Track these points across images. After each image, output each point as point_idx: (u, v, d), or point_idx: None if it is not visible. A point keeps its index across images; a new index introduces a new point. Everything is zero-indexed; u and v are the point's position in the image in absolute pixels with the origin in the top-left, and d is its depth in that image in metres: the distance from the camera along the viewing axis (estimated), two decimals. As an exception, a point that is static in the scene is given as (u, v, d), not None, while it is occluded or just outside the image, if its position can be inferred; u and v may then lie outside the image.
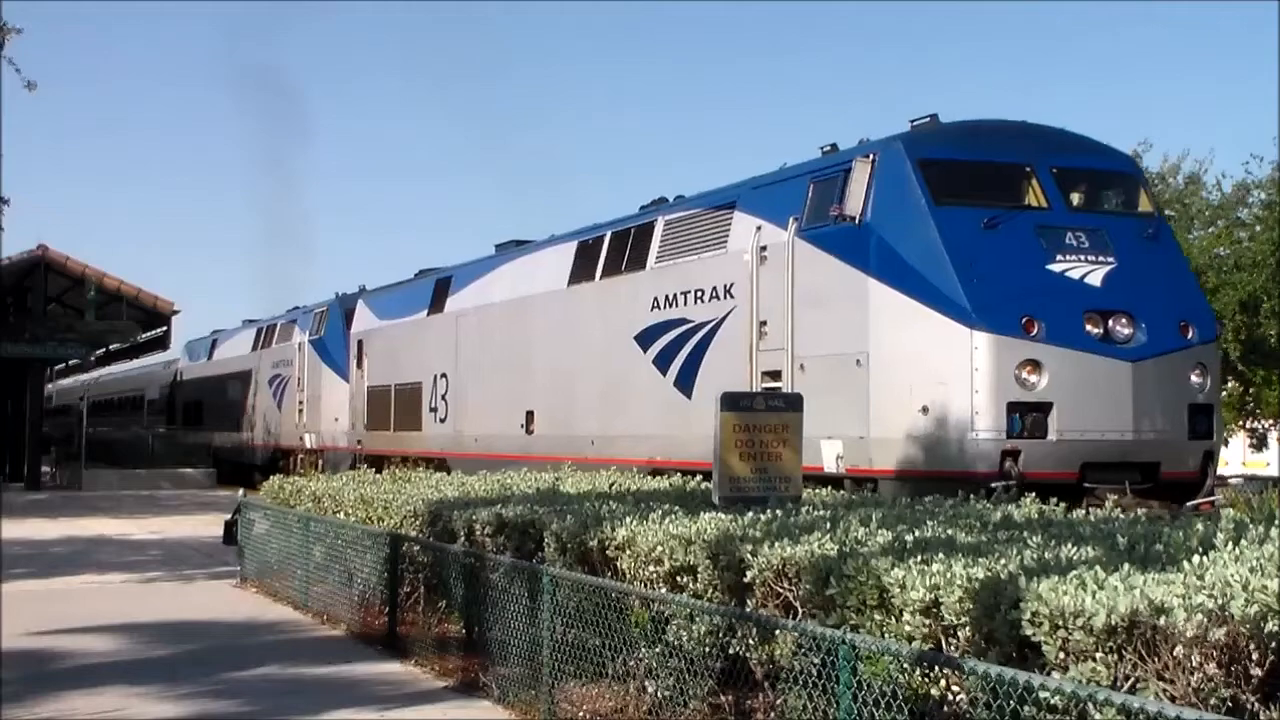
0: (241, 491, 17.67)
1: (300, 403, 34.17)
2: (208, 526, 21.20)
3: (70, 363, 49.29)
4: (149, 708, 8.54)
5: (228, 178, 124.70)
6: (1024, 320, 13.11)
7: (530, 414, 21.08)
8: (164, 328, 42.11)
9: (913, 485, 12.50)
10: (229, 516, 16.38)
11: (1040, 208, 14.35)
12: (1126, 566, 5.25)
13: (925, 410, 13.27)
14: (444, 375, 24.39)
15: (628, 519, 8.29)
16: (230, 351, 42.16)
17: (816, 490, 11.10)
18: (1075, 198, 14.68)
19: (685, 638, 6.99)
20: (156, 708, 8.54)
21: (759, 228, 15.85)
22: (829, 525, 7.30)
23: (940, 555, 5.85)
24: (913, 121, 15.14)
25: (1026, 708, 4.58)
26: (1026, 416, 12.95)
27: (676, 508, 8.73)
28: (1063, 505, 8.72)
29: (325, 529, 12.74)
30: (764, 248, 15.64)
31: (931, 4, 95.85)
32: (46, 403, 49.39)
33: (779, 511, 8.12)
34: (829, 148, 16.00)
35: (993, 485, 12.05)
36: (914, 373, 13.51)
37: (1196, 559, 5.15)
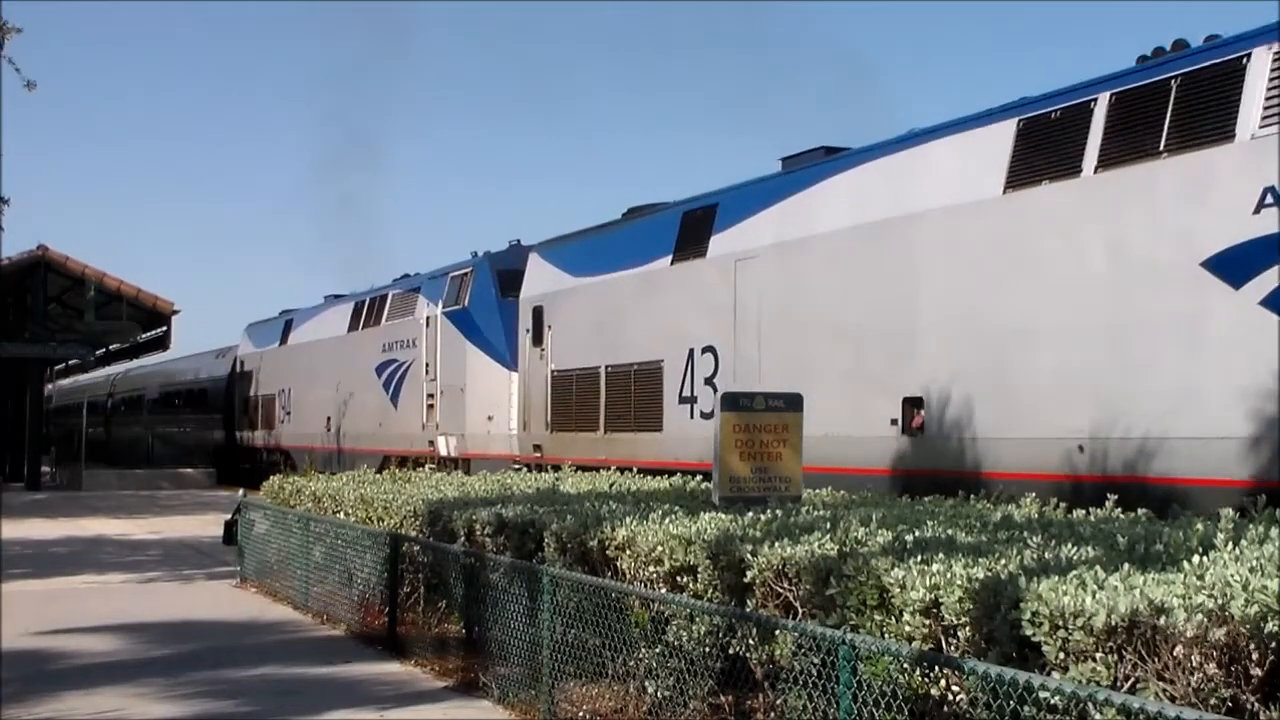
0: (241, 491, 17.67)
1: (430, 396, 25.88)
2: (207, 526, 21.24)
3: (70, 363, 49.26)
4: (149, 708, 8.54)
5: (226, 176, 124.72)
6: None
7: (915, 403, 13.58)
8: (164, 328, 42.11)
9: None
10: (229, 516, 16.41)
11: None
12: (1126, 566, 5.25)
13: None
14: (710, 349, 16.75)
15: (628, 519, 8.29)
16: (314, 333, 33.75)
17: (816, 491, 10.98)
18: None
19: (685, 638, 6.99)
20: (156, 708, 8.54)
21: None
22: (829, 525, 7.30)
23: (940, 555, 5.85)
24: None
25: (1026, 708, 4.58)
26: None
27: (676, 508, 8.74)
28: (1063, 505, 8.70)
29: (325, 529, 12.75)
30: None
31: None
32: (47, 403, 49.30)
33: (779, 511, 8.13)
34: None
35: None
36: None
37: (1196, 559, 5.15)
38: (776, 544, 6.74)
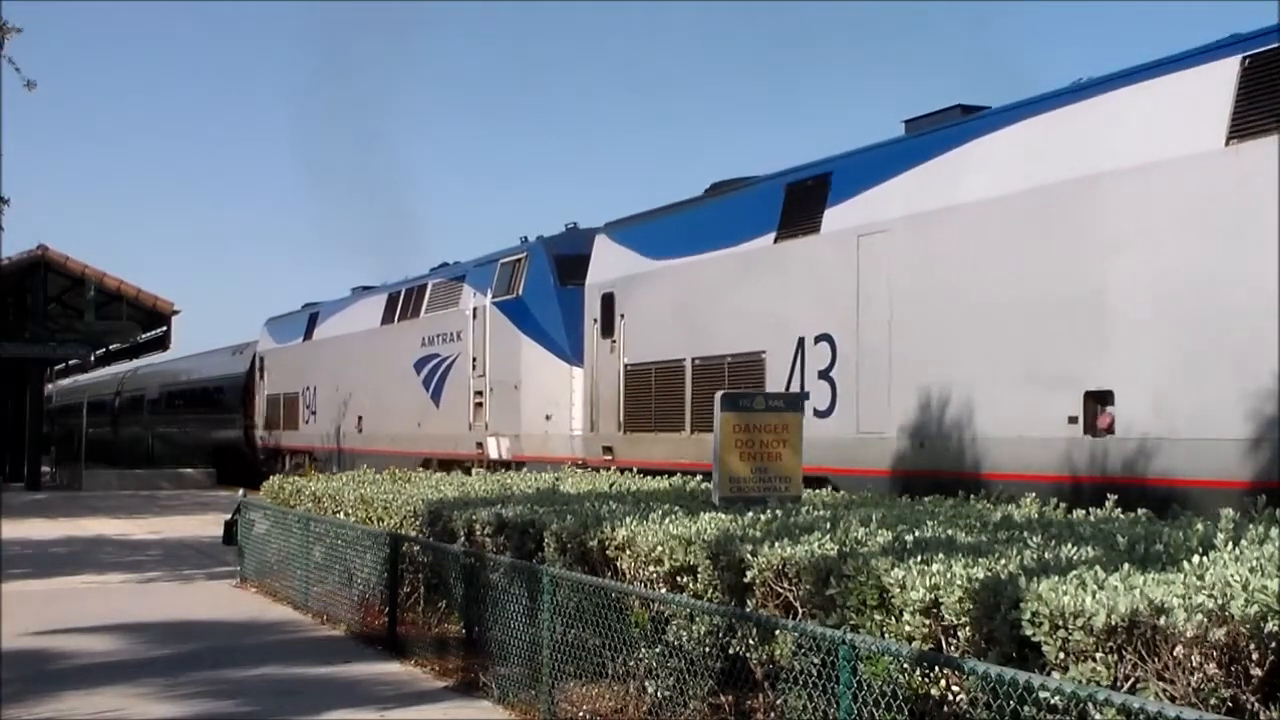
0: (241, 491, 17.66)
1: (478, 394, 23.66)
2: (207, 526, 21.24)
3: (70, 362, 49.28)
4: (149, 708, 8.54)
5: (226, 176, 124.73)
6: None
7: (1101, 398, 11.40)
8: (164, 328, 42.14)
9: None
10: (229, 516, 16.41)
11: None
12: (1126, 566, 5.25)
13: None
14: (825, 338, 14.44)
15: (628, 519, 8.29)
16: (342, 327, 31.53)
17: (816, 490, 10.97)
18: None
19: (685, 638, 6.99)
20: (156, 708, 8.54)
21: None
22: (829, 525, 7.30)
23: (940, 555, 5.85)
24: None
25: (1026, 708, 4.58)
26: None
27: (676, 508, 8.74)
28: (1063, 505, 8.70)
29: (325, 529, 12.76)
30: None
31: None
32: (47, 402, 49.25)
33: (779, 511, 8.13)
34: None
35: None
36: None
37: (1196, 559, 5.15)
38: (776, 544, 6.73)
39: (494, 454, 22.58)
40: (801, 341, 14.80)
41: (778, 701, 6.30)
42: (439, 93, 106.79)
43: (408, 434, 26.52)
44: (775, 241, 15.54)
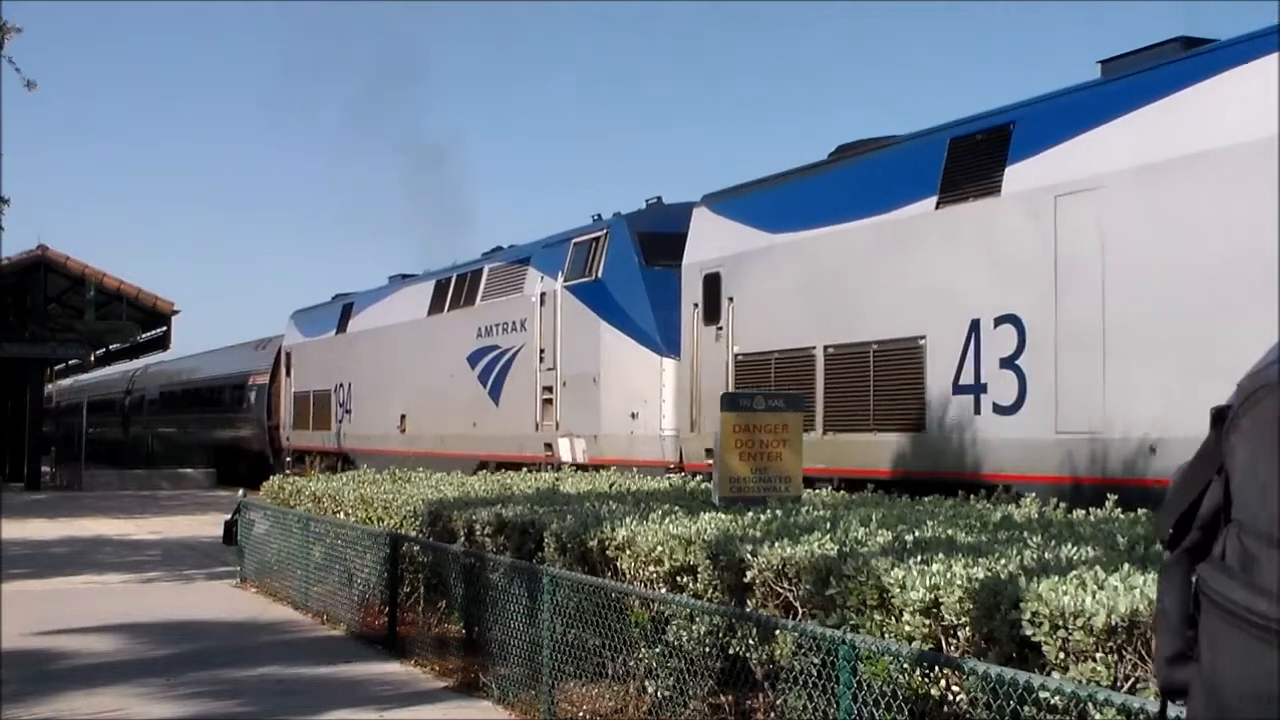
0: (241, 491, 17.66)
1: (546, 389, 20.94)
2: (207, 526, 21.24)
3: (70, 362, 49.26)
4: (149, 708, 8.54)
5: (227, 177, 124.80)
6: None
7: None
8: (164, 328, 42.13)
9: None
10: (229, 516, 16.42)
11: None
12: (1126, 566, 5.25)
13: None
14: (1010, 319, 12.24)
15: (628, 519, 8.29)
16: (381, 319, 28.78)
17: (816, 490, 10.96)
18: None
19: (685, 638, 6.99)
20: (156, 708, 8.55)
21: None
22: (829, 525, 7.30)
23: (940, 555, 5.85)
24: None
25: (1026, 708, 4.58)
26: None
27: (676, 508, 8.75)
28: (1063, 505, 8.70)
29: (325, 529, 12.76)
30: None
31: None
32: (47, 402, 49.15)
33: (779, 511, 8.13)
34: None
35: None
36: None
37: (1197, 559, 5.14)
38: (776, 544, 6.73)
39: (566, 456, 19.98)
40: (976, 324, 12.50)
41: (778, 701, 6.30)
42: (437, 89, 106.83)
43: (461, 434, 23.79)
44: (937, 207, 13.21)
